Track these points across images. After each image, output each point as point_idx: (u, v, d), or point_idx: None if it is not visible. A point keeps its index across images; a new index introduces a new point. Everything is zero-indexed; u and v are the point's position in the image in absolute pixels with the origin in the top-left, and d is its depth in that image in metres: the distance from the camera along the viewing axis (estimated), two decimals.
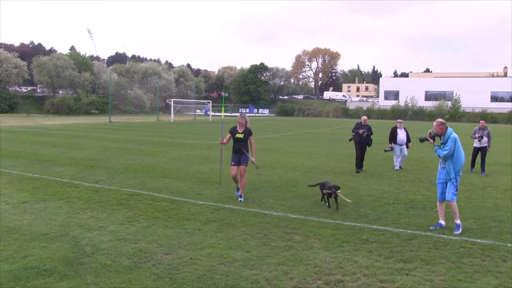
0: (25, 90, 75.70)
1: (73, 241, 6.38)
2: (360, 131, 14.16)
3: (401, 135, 14.64)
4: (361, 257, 5.94)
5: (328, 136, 30.86)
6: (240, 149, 9.50)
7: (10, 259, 5.61)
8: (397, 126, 14.81)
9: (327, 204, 8.97)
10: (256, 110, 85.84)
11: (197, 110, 71.87)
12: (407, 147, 14.82)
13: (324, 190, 8.93)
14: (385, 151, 15.12)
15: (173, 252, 5.97)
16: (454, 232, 7.17)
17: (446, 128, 7.46)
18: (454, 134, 7.39)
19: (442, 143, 7.45)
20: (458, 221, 7.34)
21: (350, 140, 14.75)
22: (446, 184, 7.44)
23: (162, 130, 34.30)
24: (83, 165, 14.11)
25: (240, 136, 9.54)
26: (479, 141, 14.11)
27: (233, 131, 9.68)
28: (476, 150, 14.25)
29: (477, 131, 14.22)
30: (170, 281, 5.02)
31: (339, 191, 8.66)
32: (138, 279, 5.03)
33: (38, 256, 5.72)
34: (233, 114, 77.62)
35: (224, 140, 9.96)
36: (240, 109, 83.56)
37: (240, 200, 9.26)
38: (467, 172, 13.84)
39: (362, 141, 14.22)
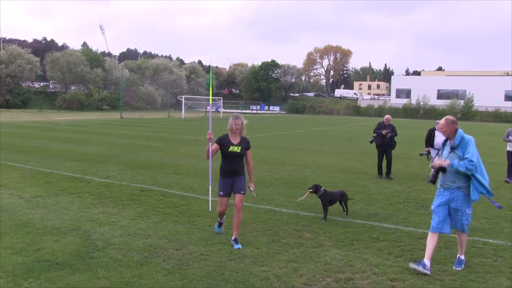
0: (38, 86, 76.46)
1: (85, 236, 6.44)
2: (383, 132, 12.60)
3: (440, 138, 11.90)
4: (371, 255, 5.92)
5: (339, 134, 30.74)
6: (234, 170, 6.31)
7: (24, 251, 5.68)
8: (436, 127, 12.07)
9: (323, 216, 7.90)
10: (267, 107, 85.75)
11: (207, 107, 71.97)
12: None
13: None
14: (420, 155, 13.00)
15: (184, 248, 6.00)
16: (454, 268, 5.55)
17: (456, 129, 5.53)
18: (469, 136, 5.55)
19: (452, 149, 5.54)
20: (463, 256, 5.75)
21: (371, 142, 13.05)
22: (450, 210, 5.55)
23: (173, 126, 34.43)
24: (95, 160, 14.22)
25: (236, 150, 6.22)
26: None
27: (224, 142, 6.30)
28: (511, 155, 12.43)
29: (510, 132, 12.38)
30: (180, 276, 5.04)
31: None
32: (149, 274, 5.06)
33: (51, 250, 5.78)
34: (244, 111, 77.64)
35: (210, 149, 6.43)
36: (251, 106, 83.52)
37: (238, 248, 6.07)
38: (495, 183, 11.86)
39: (385, 143, 12.69)
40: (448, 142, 5.62)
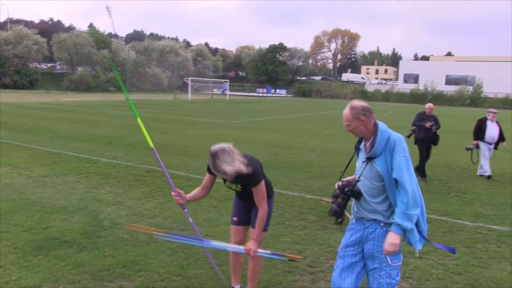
0: (45, 67, 76.48)
1: (92, 215, 6.53)
2: (427, 124, 10.16)
3: (492, 130, 10.78)
4: None
5: None
6: (250, 199, 4.05)
7: (33, 229, 5.78)
8: (488, 117, 10.83)
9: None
10: (273, 90, 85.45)
11: (214, 89, 71.84)
12: (496, 147, 10.95)
13: (323, 200, 7.11)
14: (466, 149, 11.41)
15: (189, 228, 6.07)
16: None
17: (375, 124, 3.23)
18: (396, 135, 3.19)
19: (369, 159, 3.17)
20: None
21: (409, 136, 10.42)
22: (364, 255, 3.28)
23: (179, 108, 34.44)
24: (101, 141, 14.29)
25: (235, 188, 4.12)
26: None
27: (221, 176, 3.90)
28: None
29: None
30: (185, 256, 5.12)
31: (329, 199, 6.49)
32: (154, 253, 5.14)
33: (59, 228, 5.87)
34: (250, 94, 77.43)
35: (193, 192, 4.33)
36: (257, 89, 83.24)
37: None
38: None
39: (428, 138, 10.36)
40: (363, 145, 3.29)
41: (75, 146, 13.15)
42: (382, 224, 3.17)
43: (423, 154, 10.34)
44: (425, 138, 10.32)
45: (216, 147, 3.77)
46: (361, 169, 3.25)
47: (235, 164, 3.65)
